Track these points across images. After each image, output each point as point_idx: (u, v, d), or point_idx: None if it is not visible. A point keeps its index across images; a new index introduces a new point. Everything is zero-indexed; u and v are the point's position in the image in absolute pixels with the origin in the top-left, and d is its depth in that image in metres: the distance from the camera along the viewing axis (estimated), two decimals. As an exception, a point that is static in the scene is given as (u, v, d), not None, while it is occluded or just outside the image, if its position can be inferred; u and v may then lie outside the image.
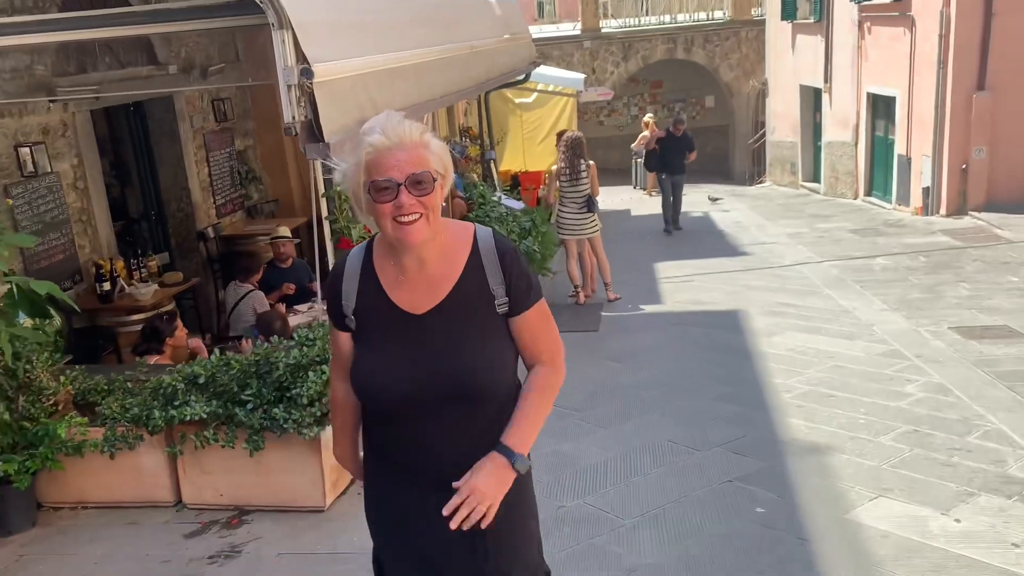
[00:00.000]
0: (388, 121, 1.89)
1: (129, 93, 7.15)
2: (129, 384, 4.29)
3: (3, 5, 5.80)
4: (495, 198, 7.60)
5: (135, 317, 6.34)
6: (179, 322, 5.40)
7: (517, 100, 13.88)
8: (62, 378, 4.20)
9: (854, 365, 5.97)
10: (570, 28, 22.59)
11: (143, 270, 7.04)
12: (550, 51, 20.21)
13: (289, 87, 3.63)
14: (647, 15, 22.86)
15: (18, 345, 3.77)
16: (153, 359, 4.96)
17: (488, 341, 1.98)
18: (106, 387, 4.30)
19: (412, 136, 1.88)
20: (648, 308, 8.30)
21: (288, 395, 3.94)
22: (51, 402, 4.10)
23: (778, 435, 4.77)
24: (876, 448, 4.47)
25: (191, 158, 8.31)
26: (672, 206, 12.67)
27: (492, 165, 9.54)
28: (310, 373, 3.94)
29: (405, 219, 1.86)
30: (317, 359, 4.01)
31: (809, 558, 3.44)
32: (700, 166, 19.11)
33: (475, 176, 9.15)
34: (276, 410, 3.89)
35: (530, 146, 14.41)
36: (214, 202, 8.66)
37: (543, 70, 12.86)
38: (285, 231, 7.33)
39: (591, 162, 8.08)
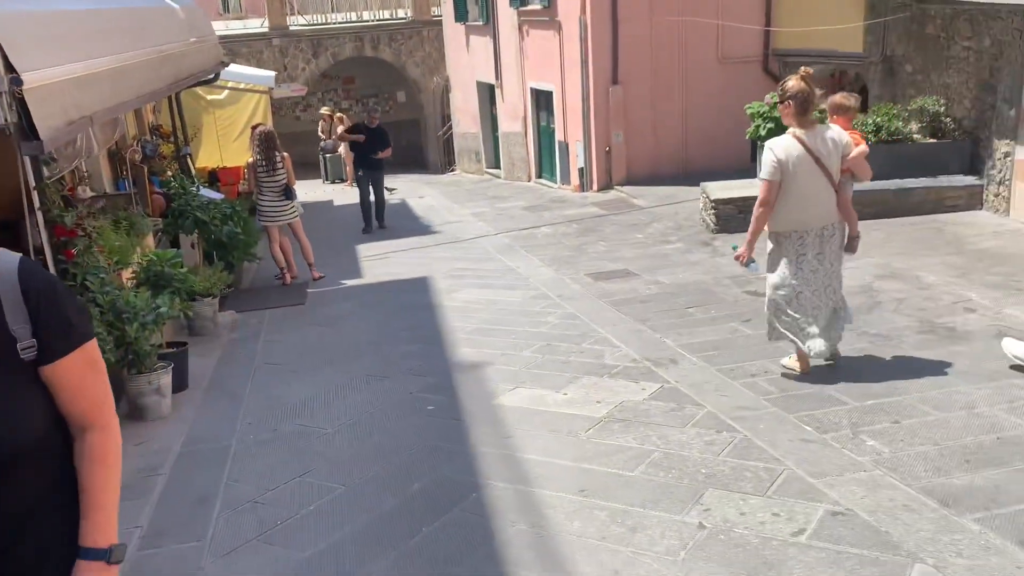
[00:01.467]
0: None
1: None
2: None
3: None
4: (194, 189, 8.20)
5: None
6: None
7: (209, 97, 14.14)
8: None
9: (512, 308, 7.48)
10: (257, 25, 22.81)
11: None
12: (239, 48, 20.40)
13: (0, 94, 4.19)
14: (334, 12, 23.74)
15: None
16: None
17: (4, 390, 1.63)
18: None
19: None
20: (349, 282, 9.36)
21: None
22: None
23: (449, 360, 6.07)
24: (519, 359, 5.92)
25: None
26: (375, 203, 12.63)
27: (188, 160, 10.01)
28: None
29: None
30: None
31: (462, 429, 4.74)
32: (397, 158, 20.48)
33: (169, 172, 9.57)
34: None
35: (226, 143, 14.71)
36: None
37: (233, 68, 13.31)
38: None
39: (285, 154, 8.96)
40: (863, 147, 5.38)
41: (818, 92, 4.80)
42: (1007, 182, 9.21)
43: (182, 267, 6.15)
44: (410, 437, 4.73)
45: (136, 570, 3.55)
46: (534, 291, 8.06)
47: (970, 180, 9.59)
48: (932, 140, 9.95)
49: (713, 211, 9.98)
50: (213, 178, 12.35)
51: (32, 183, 4.99)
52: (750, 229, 4.93)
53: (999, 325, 5.73)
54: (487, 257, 10.15)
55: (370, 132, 12.54)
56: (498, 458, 4.31)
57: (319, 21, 22.93)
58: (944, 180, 9.64)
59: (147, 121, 12.23)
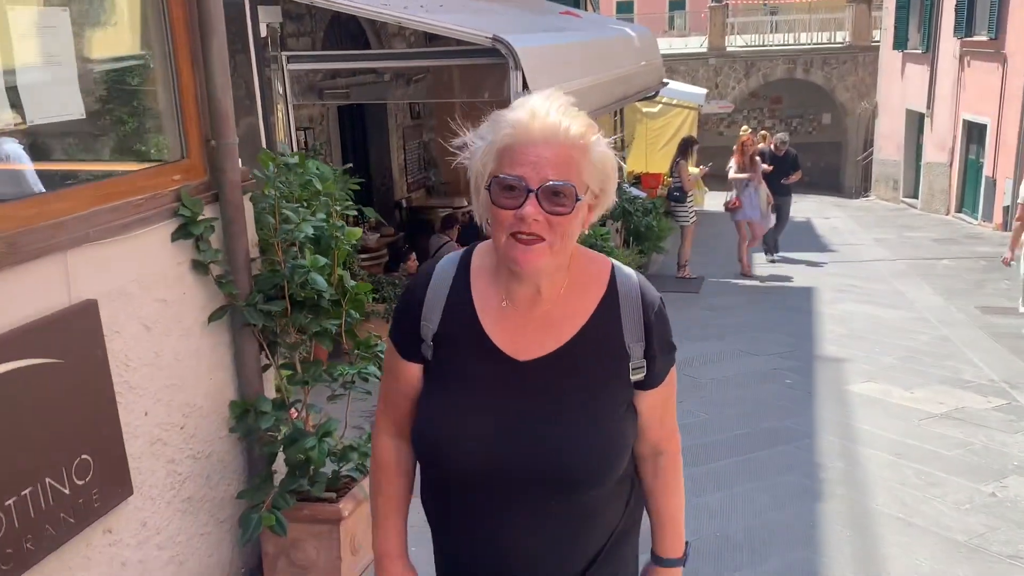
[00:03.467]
0: (549, 101, 1.37)
1: (376, 101, 9.88)
2: (396, 283, 6.95)
3: (291, 31, 8.57)
4: (625, 185, 9.99)
5: (363, 256, 9.10)
6: (413, 254, 8.05)
7: (644, 110, 16.12)
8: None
9: (888, 323, 8.07)
10: (697, 44, 24.64)
11: (366, 224, 9.82)
12: (677, 66, 22.37)
13: (518, 105, 6.16)
14: (772, 33, 24.71)
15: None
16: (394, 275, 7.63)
17: (609, 412, 1.48)
18: (383, 281, 6.97)
19: (569, 130, 1.34)
20: (739, 282, 10.51)
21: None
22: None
23: (814, 352, 7.00)
24: (879, 362, 6.64)
25: (394, 146, 11.07)
26: (774, 227, 11.72)
27: (622, 161, 11.91)
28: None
29: (524, 237, 1.35)
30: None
31: (810, 400, 5.72)
32: (813, 179, 20.90)
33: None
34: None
35: (652, 151, 16.59)
36: (406, 180, 11.40)
37: (670, 85, 15.10)
38: (464, 202, 10.05)
39: (681, 160, 10.11)
40: None
41: None
42: None
43: (609, 243, 7.88)
44: (766, 396, 5.85)
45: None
46: (915, 313, 8.49)
47: None
48: None
49: None
50: (637, 180, 14.25)
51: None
52: (1011, 238, 7.99)
53: None
54: (877, 278, 10.58)
55: (777, 160, 11.64)
56: (834, 423, 5.25)
57: (756, 43, 24.07)
58: None
59: (591, 126, 14.55)
